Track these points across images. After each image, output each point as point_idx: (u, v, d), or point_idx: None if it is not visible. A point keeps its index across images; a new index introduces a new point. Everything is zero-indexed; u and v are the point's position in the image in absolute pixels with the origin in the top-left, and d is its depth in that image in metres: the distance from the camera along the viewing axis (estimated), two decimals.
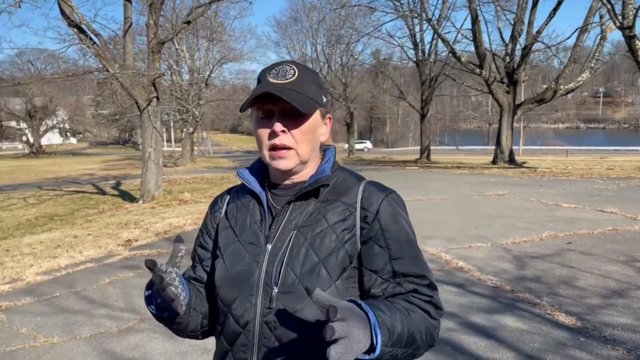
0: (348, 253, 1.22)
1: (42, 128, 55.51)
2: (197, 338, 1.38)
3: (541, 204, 9.90)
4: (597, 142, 55.12)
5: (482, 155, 32.95)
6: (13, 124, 57.84)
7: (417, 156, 29.96)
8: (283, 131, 1.23)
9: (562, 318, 4.23)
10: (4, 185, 23.18)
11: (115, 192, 17.10)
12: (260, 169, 1.38)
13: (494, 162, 22.01)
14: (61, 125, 60.41)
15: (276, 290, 1.20)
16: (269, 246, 1.25)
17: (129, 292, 5.55)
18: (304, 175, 1.32)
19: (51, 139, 65.20)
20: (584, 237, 7.16)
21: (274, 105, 1.23)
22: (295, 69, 1.26)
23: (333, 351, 0.90)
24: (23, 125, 55.31)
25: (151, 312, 1.23)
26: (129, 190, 17.23)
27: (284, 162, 1.25)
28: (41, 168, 34.54)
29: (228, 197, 1.43)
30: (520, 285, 5.16)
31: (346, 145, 42.90)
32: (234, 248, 1.30)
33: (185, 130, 35.77)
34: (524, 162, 22.03)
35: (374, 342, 0.98)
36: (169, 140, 57.97)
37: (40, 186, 21.31)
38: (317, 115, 1.29)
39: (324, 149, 1.38)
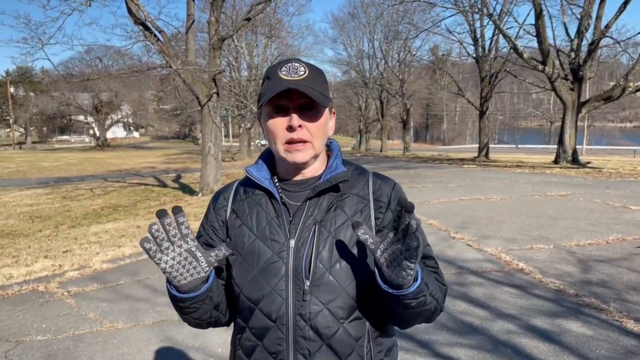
0: None
1: (108, 122, 57.96)
2: (200, 327, 1.40)
3: (607, 206, 9.48)
4: None
5: (543, 154, 31.88)
6: (81, 118, 60.74)
7: (475, 154, 29.29)
8: (300, 126, 1.26)
9: (631, 325, 4.04)
10: (72, 176, 24.34)
11: (176, 185, 17.60)
12: (266, 166, 1.41)
13: (556, 161, 21.21)
14: (125, 120, 62.83)
15: (308, 284, 1.25)
16: (292, 242, 1.29)
17: None
18: (315, 169, 1.36)
19: (116, 132, 68.00)
20: None
21: (289, 100, 1.26)
22: (304, 66, 1.30)
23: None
24: (90, 119, 57.97)
25: (170, 291, 1.25)
26: (189, 183, 17.69)
27: (301, 155, 1.29)
28: (106, 160, 36.05)
29: (232, 193, 1.44)
30: (585, 289, 4.97)
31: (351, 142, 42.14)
32: (254, 245, 1.32)
33: (243, 125, 36.44)
34: (588, 162, 21.13)
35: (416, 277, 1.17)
36: (227, 135, 59.19)
37: (106, 178, 22.20)
38: (327, 110, 1.33)
39: (328, 142, 1.41)
